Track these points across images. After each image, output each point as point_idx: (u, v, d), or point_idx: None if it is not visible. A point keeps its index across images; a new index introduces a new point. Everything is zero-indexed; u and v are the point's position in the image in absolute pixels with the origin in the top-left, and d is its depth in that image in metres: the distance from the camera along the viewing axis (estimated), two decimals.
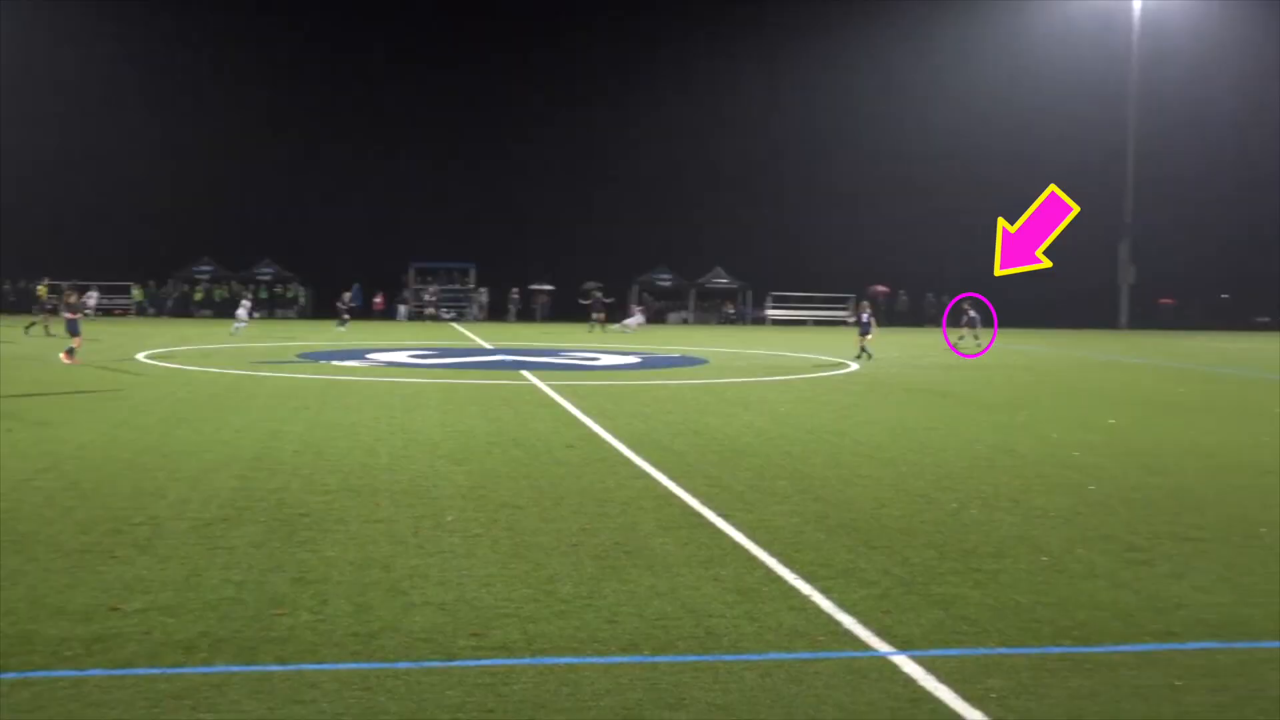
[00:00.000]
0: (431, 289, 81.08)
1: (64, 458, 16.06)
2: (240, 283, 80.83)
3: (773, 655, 8.28)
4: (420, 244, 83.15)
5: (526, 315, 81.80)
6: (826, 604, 9.53)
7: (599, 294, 62.74)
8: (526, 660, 8.10)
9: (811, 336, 60.80)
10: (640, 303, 72.92)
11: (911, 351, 46.37)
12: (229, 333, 50.08)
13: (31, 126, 75.38)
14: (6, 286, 75.32)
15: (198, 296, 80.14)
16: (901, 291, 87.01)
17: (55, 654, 8.04)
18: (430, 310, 78.82)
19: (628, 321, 53.27)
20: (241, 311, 52.26)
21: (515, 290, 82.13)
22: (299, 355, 38.45)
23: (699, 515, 12.97)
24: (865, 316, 40.42)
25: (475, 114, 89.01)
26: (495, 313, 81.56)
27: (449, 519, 12.49)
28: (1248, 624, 9.14)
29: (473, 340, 50.82)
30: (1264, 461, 17.73)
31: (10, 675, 7.63)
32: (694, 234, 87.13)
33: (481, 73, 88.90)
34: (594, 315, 59.74)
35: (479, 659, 8.11)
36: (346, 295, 60.15)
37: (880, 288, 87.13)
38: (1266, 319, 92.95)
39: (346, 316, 57.36)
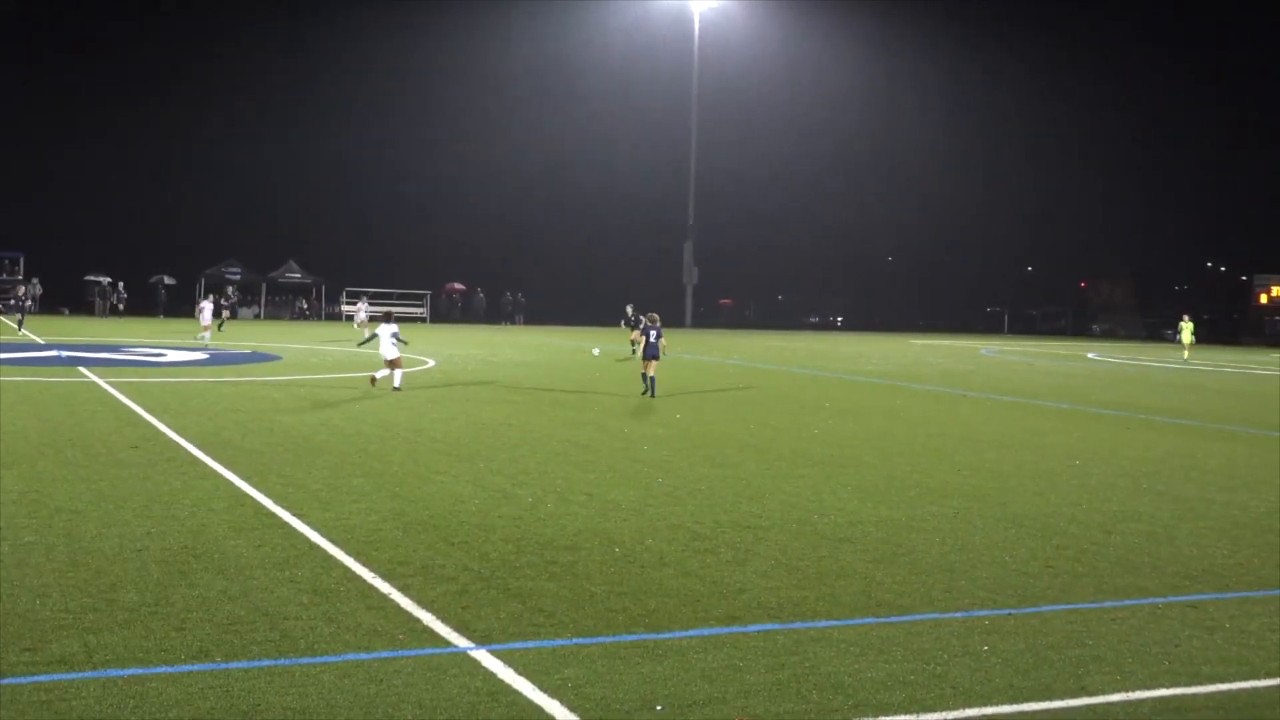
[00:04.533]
0: None
1: None
2: None
3: (351, 655, 8.17)
4: None
5: (91, 310, 76.87)
6: (405, 602, 9.50)
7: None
8: (88, 674, 7.64)
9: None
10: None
11: (487, 349, 46.86)
12: None
13: None
14: None
15: None
16: (479, 289, 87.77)
17: None
18: None
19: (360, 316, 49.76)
20: None
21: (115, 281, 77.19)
22: None
23: (273, 515, 12.65)
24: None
25: (28, 96, 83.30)
26: (49, 305, 76.47)
27: None
28: (802, 606, 9.77)
29: (23, 335, 47.47)
30: (812, 452, 19.01)
31: None
32: (266, 227, 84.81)
33: (32, 56, 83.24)
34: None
35: (34, 675, 7.59)
36: None
37: (456, 285, 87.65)
38: (815, 319, 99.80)
39: None
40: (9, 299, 69.96)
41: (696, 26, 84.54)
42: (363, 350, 34.09)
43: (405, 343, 28.31)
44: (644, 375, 27.44)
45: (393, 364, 26.54)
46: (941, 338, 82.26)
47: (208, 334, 47.55)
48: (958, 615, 9.61)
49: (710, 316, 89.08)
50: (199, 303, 55.50)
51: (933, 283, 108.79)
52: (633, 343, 40.46)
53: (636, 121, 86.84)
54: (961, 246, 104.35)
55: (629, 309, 44.44)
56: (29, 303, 47.66)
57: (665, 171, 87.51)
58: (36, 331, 45.14)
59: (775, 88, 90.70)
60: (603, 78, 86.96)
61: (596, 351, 26.00)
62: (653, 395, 26.63)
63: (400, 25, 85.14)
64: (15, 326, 46.12)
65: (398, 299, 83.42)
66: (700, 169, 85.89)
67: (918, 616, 9.55)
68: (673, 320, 79.97)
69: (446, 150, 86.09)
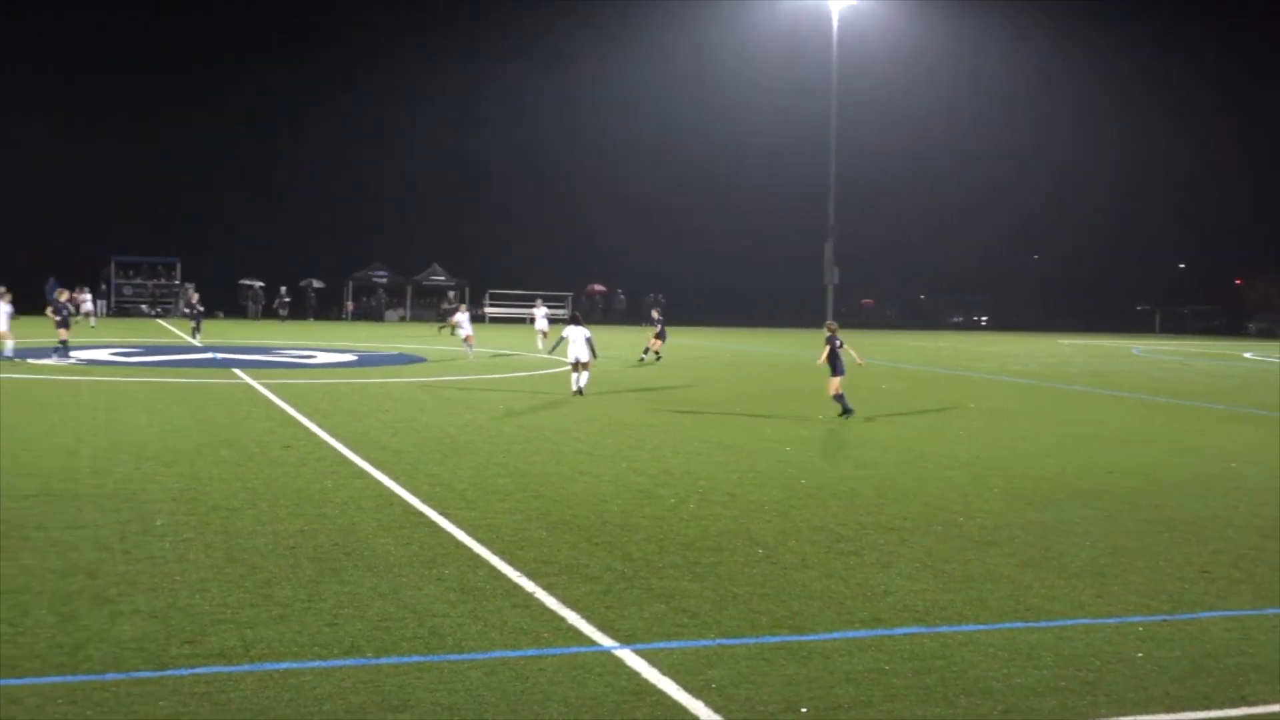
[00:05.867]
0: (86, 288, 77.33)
1: None
2: None
3: (497, 653, 8.27)
4: (121, 238, 79.65)
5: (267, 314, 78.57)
6: (550, 601, 9.58)
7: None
8: (245, 667, 7.86)
9: (530, 334, 60.90)
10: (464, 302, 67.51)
11: (629, 350, 47.06)
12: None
13: None
14: None
15: None
16: (620, 291, 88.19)
17: None
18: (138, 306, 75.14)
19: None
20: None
21: (276, 286, 79.12)
22: None
23: (420, 514, 12.86)
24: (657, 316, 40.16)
25: (180, 112, 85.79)
26: (208, 310, 78.64)
27: (158, 523, 12.01)
28: (948, 609, 9.64)
29: (180, 338, 49.02)
30: (956, 454, 18.74)
31: None
32: (410, 231, 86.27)
33: (187, 61, 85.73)
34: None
35: (193, 667, 7.83)
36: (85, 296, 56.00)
37: (598, 286, 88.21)
38: (959, 319, 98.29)
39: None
40: (181, 304, 72.08)
41: (835, 24, 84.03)
42: (552, 356, 33.92)
43: (595, 356, 26.85)
44: (837, 398, 22.87)
45: (582, 366, 26.05)
46: (1090, 337, 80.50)
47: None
48: (1110, 621, 9.39)
49: (851, 316, 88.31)
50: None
51: (1080, 282, 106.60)
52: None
53: (776, 121, 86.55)
54: (1111, 245, 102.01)
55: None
56: (201, 308, 48.87)
57: (805, 170, 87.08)
58: (193, 335, 46.47)
59: (916, 85, 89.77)
60: (742, 77, 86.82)
61: (553, 355, 25.22)
62: (848, 414, 22.61)
63: (540, 30, 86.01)
64: (190, 333, 47.44)
65: (537, 300, 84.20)
66: (841, 167, 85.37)
67: (1068, 622, 9.35)
68: (814, 320, 79.43)
69: (589, 151, 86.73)
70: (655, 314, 40.32)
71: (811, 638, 8.79)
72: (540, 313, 43.70)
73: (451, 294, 75.74)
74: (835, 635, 8.87)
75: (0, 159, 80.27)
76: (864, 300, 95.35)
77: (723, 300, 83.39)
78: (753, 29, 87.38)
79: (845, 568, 10.92)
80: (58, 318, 34.43)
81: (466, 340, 39.29)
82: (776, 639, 8.74)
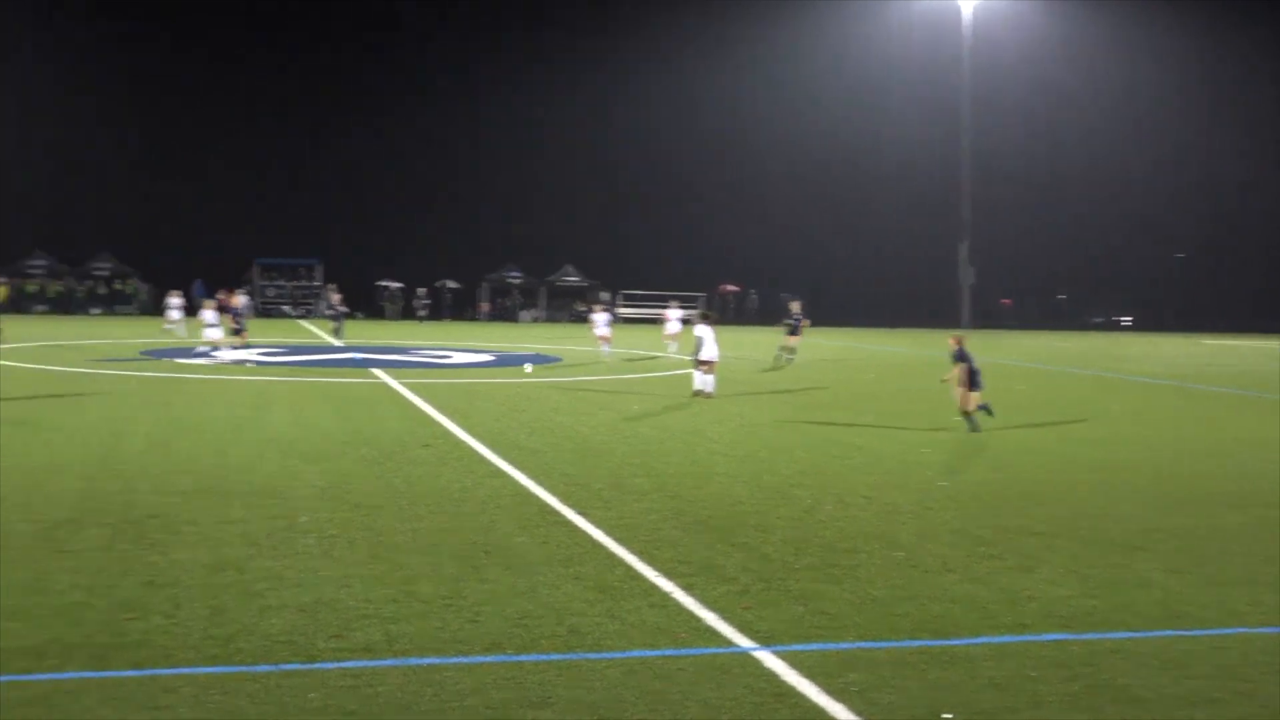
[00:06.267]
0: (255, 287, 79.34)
1: None
2: (76, 278, 78.40)
3: (636, 653, 8.31)
4: (263, 240, 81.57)
5: (406, 314, 79.69)
6: (688, 600, 9.60)
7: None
8: (389, 661, 8.01)
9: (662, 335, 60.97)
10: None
11: (761, 350, 46.92)
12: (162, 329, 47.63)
13: None
14: None
15: (30, 289, 77.44)
16: (753, 290, 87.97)
17: None
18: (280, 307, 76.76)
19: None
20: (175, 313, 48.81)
21: (417, 288, 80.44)
22: (142, 353, 37.43)
23: (557, 513, 12.97)
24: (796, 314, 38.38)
25: (321, 109, 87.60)
26: (348, 311, 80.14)
27: (303, 520, 12.28)
28: (1094, 615, 9.44)
29: (321, 338, 50.05)
30: (1100, 458, 18.34)
31: None
32: (544, 231, 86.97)
33: (325, 64, 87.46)
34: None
35: (340, 660, 7.99)
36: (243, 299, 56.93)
37: (730, 286, 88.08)
38: (1100, 319, 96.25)
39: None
40: (323, 305, 73.50)
41: (966, 21, 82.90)
42: (689, 357, 33.40)
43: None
44: (977, 408, 20.97)
45: (708, 367, 25.61)
46: (1236, 338, 78.19)
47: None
48: (1267, 631, 9.12)
49: (988, 317, 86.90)
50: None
51: (1226, 281, 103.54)
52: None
53: (910, 117, 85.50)
54: (1259, 243, 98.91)
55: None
56: (344, 309, 49.77)
57: (937, 170, 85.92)
58: (334, 335, 47.42)
59: (1051, 83, 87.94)
60: (875, 73, 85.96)
61: (528, 369, 23.65)
62: (975, 430, 20.73)
63: (672, 27, 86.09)
64: (332, 334, 48.36)
65: (671, 300, 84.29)
66: (975, 167, 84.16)
67: (1222, 631, 9.10)
68: (948, 321, 78.40)
69: (722, 149, 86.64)
70: (795, 308, 38.58)
71: (954, 642, 8.68)
72: (674, 314, 42.64)
73: (604, 295, 75.75)
74: (979, 640, 8.74)
75: (148, 162, 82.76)
76: (1003, 300, 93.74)
77: (857, 300, 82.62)
78: (885, 24, 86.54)
79: (987, 572, 10.76)
80: (235, 325, 35.38)
81: (602, 340, 38.97)
82: (918, 643, 8.65)
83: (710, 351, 25.58)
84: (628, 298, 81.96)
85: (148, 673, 7.67)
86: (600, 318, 39.41)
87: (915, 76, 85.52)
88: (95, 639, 8.31)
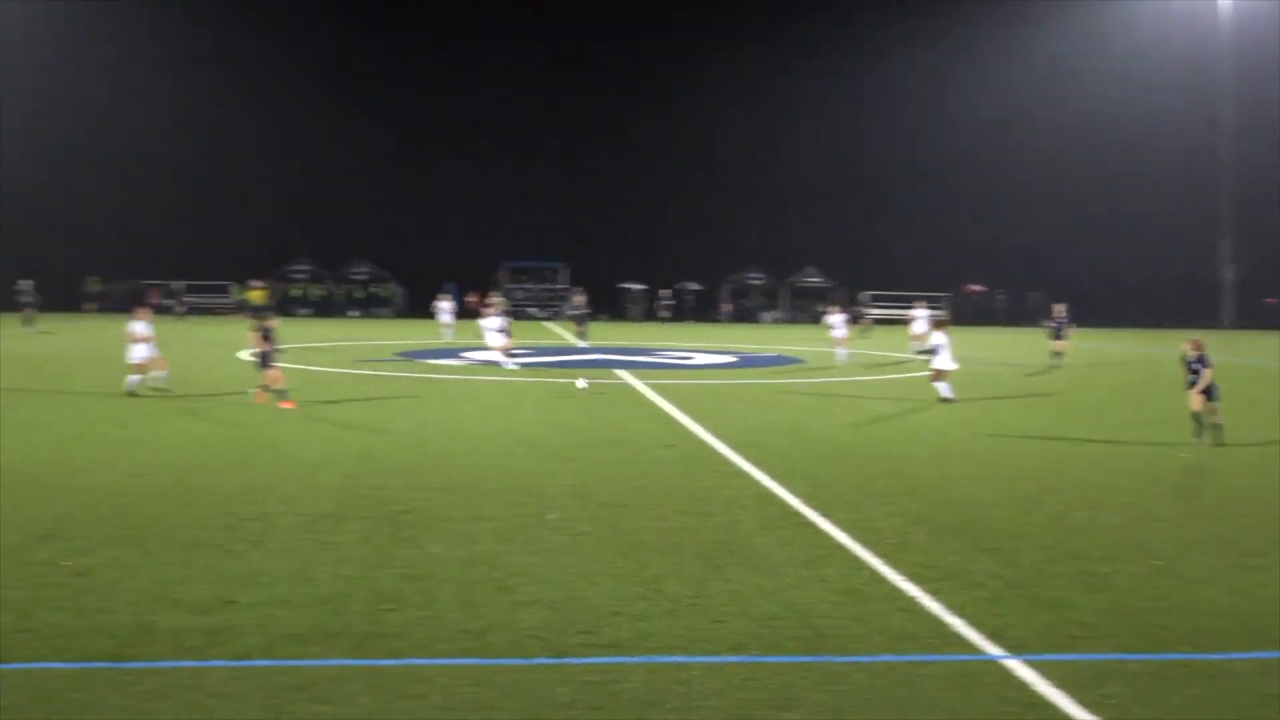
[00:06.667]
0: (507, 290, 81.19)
1: (176, 453, 16.38)
2: (336, 282, 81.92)
3: (882, 657, 8.22)
4: (510, 243, 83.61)
5: (651, 316, 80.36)
6: (935, 606, 9.44)
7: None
8: (637, 658, 8.11)
9: (905, 336, 60.11)
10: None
11: (1007, 352, 45.81)
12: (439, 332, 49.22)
13: (123, 129, 77.02)
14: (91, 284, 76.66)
15: (294, 293, 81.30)
16: (999, 290, 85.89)
17: (177, 644, 8.21)
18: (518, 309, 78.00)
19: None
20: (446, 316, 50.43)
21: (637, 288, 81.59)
22: (397, 354, 38.85)
23: (800, 515, 12.92)
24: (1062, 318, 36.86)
25: (565, 113, 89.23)
26: (592, 313, 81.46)
27: (553, 517, 12.55)
28: None
29: (566, 339, 51.02)
30: None
31: (135, 665, 7.80)
32: (785, 231, 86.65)
33: (571, 69, 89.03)
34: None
35: (589, 656, 8.14)
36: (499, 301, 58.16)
37: (975, 286, 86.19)
38: None
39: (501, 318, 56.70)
40: (568, 307, 74.84)
41: (1225, 13, 79.37)
42: (921, 356, 32.72)
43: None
44: (1197, 416, 19.20)
45: (943, 374, 25.08)
46: None
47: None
48: None
49: (1254, 317, 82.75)
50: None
51: None
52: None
53: (1161, 112, 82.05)
54: None
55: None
56: (588, 311, 50.62)
57: (1196, 164, 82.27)
58: (578, 337, 48.29)
59: None
60: (1127, 69, 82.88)
61: (582, 384, 22.04)
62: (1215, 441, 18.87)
63: (921, 21, 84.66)
64: (576, 335, 49.23)
65: (917, 301, 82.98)
66: (1236, 163, 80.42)
67: None
68: (1205, 321, 74.92)
69: (967, 145, 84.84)
70: (1058, 311, 36.94)
71: (1218, 656, 8.31)
72: (920, 314, 41.51)
73: (839, 297, 75.15)
74: (1245, 655, 8.34)
75: (403, 170, 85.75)
76: (1268, 299, 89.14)
77: (1111, 299, 79.76)
78: (1140, 18, 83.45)
79: (1254, 584, 10.25)
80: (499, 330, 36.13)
81: (837, 344, 38.28)
82: (1179, 656, 8.31)
83: (945, 360, 24.96)
84: (873, 298, 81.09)
85: (404, 662, 7.97)
86: (835, 319, 38.66)
87: (1171, 68, 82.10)
88: (355, 628, 8.66)
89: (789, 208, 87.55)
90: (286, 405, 21.67)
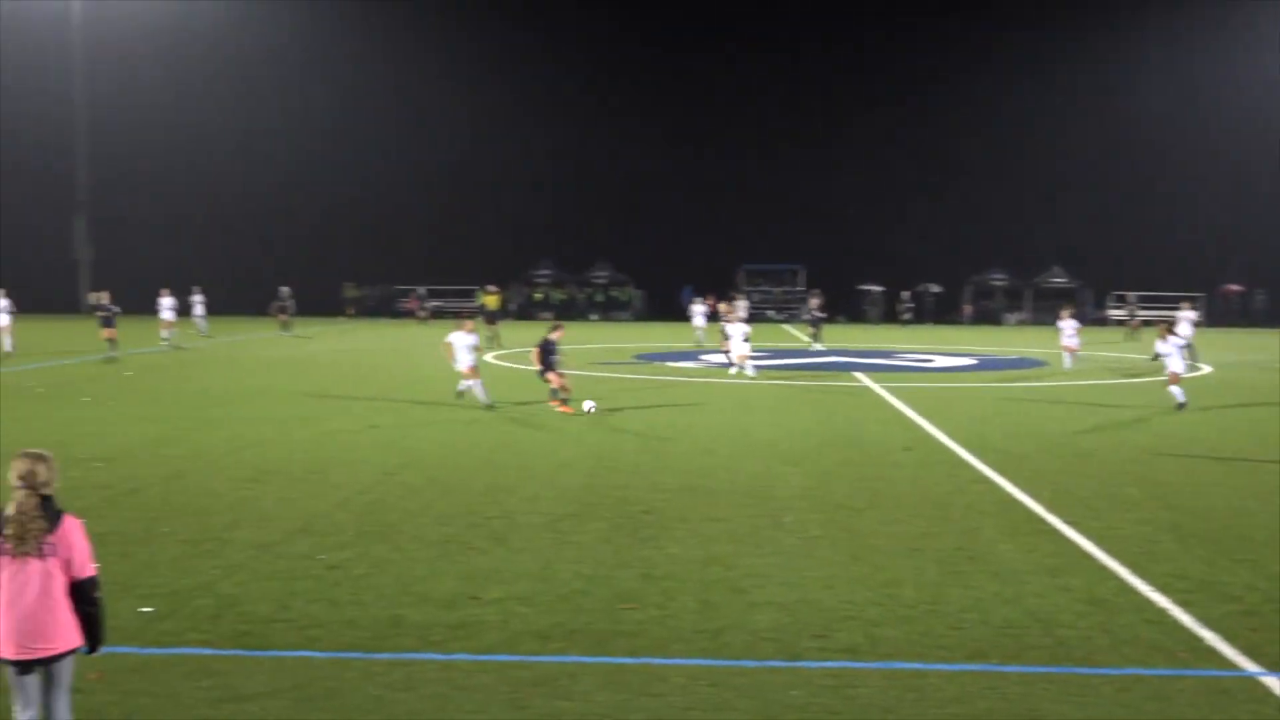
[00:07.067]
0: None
1: (422, 453, 16.97)
2: (577, 285, 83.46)
3: (1130, 670, 7.96)
4: (748, 245, 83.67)
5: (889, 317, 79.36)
6: (1185, 618, 9.09)
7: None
8: (871, 664, 8.06)
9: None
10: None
11: (1266, 354, 43.64)
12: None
13: (381, 138, 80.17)
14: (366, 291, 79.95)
15: (537, 297, 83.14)
16: (1259, 290, 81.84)
17: (423, 638, 8.53)
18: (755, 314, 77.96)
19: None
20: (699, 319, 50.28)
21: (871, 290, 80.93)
22: (635, 356, 39.36)
23: (1043, 521, 12.60)
24: None
25: (804, 116, 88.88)
26: (826, 314, 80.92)
27: (787, 520, 12.55)
28: None
29: (803, 342, 50.80)
30: None
31: (384, 656, 8.13)
32: (1030, 230, 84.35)
33: (804, 72, 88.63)
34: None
35: (823, 660, 8.12)
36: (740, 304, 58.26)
37: (1234, 286, 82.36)
38: None
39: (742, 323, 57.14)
40: (804, 310, 74.44)
41: None
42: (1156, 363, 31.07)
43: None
44: None
45: (1176, 379, 23.93)
46: None
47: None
48: None
49: None
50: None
51: None
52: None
53: None
54: None
55: (1187, 316, 35.19)
56: (822, 314, 50.23)
57: None
58: (812, 340, 48.04)
59: None
60: None
61: (588, 406, 20.26)
62: None
63: (1169, 16, 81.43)
64: (810, 338, 49.00)
65: (1169, 303, 79.81)
66: None
67: None
68: None
69: (1226, 140, 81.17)
70: None
71: None
72: (1186, 315, 38.89)
73: (1132, 299, 72.60)
74: None
75: (642, 174, 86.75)
76: None
77: None
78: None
79: None
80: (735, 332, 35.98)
81: (1066, 351, 35.90)
82: None
83: (1177, 365, 23.79)
84: (1118, 299, 78.32)
85: (642, 661, 8.09)
86: (1067, 325, 36.17)
87: None
88: (595, 626, 8.84)
89: (1035, 206, 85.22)
90: (563, 409, 21.94)
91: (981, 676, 7.84)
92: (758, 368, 31.52)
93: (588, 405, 21.72)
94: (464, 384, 23.23)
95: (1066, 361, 35.33)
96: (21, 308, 38.45)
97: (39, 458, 6.08)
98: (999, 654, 8.26)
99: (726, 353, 32.13)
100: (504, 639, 8.53)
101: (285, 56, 78.11)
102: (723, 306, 35.24)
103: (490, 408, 22.04)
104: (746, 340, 31.44)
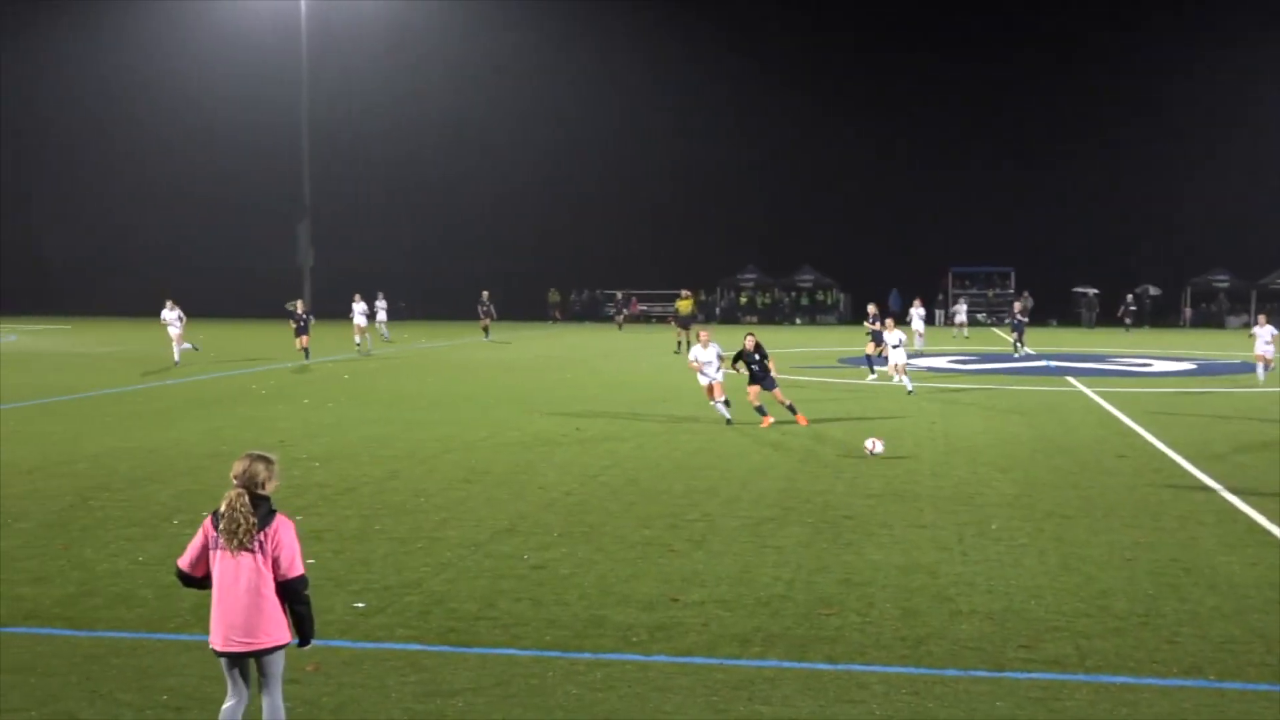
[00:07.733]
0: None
1: (623, 456, 17.14)
2: (782, 289, 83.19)
3: None
4: (955, 248, 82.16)
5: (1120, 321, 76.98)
6: None
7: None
8: (1080, 676, 7.83)
9: None
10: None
11: None
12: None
13: (595, 144, 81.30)
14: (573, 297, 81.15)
15: (742, 301, 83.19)
16: None
17: (624, 639, 8.61)
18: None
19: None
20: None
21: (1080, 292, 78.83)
22: (840, 360, 39.04)
23: (1268, 533, 12.06)
24: None
25: (1013, 116, 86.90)
26: (1038, 318, 78.80)
27: (994, 527, 12.28)
28: None
29: (1011, 346, 49.60)
30: None
31: (586, 655, 8.24)
32: (1257, 228, 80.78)
33: (1013, 78, 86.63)
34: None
35: (1030, 672, 7.92)
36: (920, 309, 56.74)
37: None
38: None
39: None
40: (1009, 315, 72.60)
41: None
42: None
43: None
44: None
45: None
46: None
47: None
48: None
49: None
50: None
51: None
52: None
53: None
54: None
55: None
56: (1024, 319, 48.83)
57: None
58: (1028, 343, 46.88)
59: None
60: None
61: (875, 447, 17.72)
62: None
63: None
64: (1014, 342, 47.79)
65: None
66: None
67: None
68: None
69: None
70: None
71: None
72: None
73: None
74: None
75: (847, 179, 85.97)
76: None
77: None
78: None
79: None
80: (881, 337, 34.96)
81: (1260, 360, 31.85)
82: None
83: None
84: None
85: (842, 667, 8.02)
86: (1264, 332, 31.10)
87: None
88: (794, 631, 8.79)
89: (1262, 200, 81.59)
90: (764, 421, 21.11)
91: (1198, 693, 7.54)
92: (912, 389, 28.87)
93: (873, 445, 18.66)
94: (716, 404, 21.16)
95: (1260, 373, 30.51)
96: (245, 313, 40.00)
97: (261, 458, 6.32)
98: (1217, 670, 7.93)
99: (879, 359, 30.03)
100: (703, 641, 8.55)
101: (509, 66, 79.72)
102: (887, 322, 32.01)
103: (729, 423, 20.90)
104: (900, 347, 28.49)
